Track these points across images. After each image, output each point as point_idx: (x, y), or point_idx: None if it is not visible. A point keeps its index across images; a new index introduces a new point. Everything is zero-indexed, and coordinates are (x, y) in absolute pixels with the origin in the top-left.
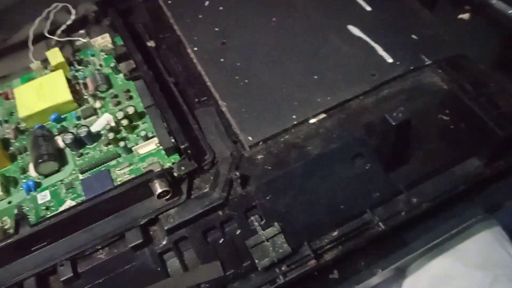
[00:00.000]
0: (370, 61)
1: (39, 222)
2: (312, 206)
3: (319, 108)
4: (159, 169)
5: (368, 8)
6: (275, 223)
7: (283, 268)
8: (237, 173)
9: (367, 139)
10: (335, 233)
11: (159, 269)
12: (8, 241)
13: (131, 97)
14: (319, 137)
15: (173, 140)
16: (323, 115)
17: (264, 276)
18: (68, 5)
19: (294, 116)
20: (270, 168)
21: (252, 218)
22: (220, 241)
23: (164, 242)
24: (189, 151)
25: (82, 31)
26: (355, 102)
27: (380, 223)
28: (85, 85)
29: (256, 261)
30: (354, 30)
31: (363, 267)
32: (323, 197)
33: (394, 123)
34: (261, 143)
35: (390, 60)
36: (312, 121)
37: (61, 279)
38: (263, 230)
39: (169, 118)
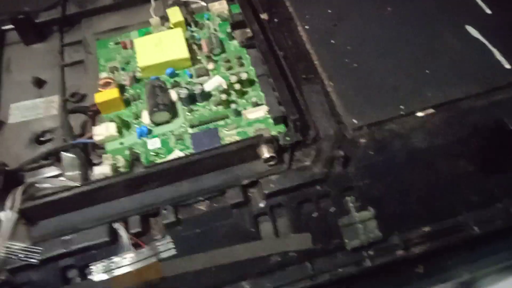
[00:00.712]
0: (485, 64)
1: (152, 165)
2: (408, 197)
3: (428, 102)
4: (269, 135)
5: (489, 11)
6: (370, 208)
7: (370, 253)
8: (341, 152)
9: (473, 141)
10: (426, 228)
11: (252, 230)
12: (122, 177)
13: (242, 64)
14: (425, 131)
15: (283, 110)
16: (431, 110)
17: (351, 256)
18: None
19: (401, 107)
20: (371, 153)
21: (348, 198)
22: (314, 215)
23: (262, 205)
24: (297, 123)
25: None
26: (466, 102)
27: (474, 227)
28: (199, 46)
29: (346, 240)
30: (472, 31)
31: (450, 267)
32: (421, 190)
33: None
34: (365, 127)
35: (507, 66)
36: (419, 114)
37: (163, 222)
38: (357, 212)
39: (281, 88)
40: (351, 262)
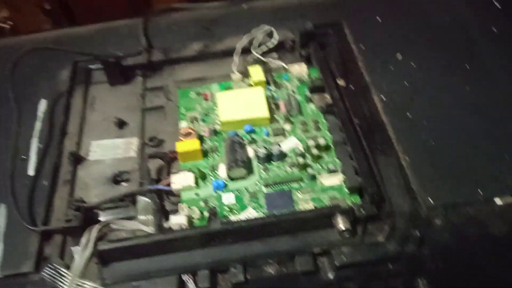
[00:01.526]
0: None
1: (229, 222)
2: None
3: (507, 190)
4: (346, 206)
5: None
6: None
7: None
8: (418, 233)
9: None
10: None
11: None
12: (199, 231)
13: (318, 128)
14: (504, 220)
15: (360, 181)
16: (510, 199)
17: None
18: (273, 29)
19: (479, 191)
20: (446, 236)
21: (420, 280)
22: None
23: (331, 277)
24: (375, 196)
25: (274, 54)
26: None
27: None
28: (277, 106)
29: None
30: None
31: None
32: (496, 282)
33: None
34: (440, 208)
35: None
36: (497, 201)
37: (232, 281)
38: None
39: (359, 159)
40: None
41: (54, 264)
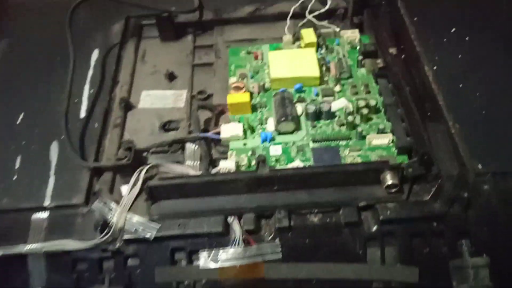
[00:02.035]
0: None
1: (278, 169)
2: None
3: None
4: (396, 163)
5: None
6: (484, 255)
7: None
8: (466, 194)
9: None
10: None
11: (360, 252)
12: (248, 175)
13: (369, 92)
14: None
15: (410, 141)
16: None
17: None
18: None
19: None
20: (494, 201)
21: (463, 241)
22: (425, 251)
23: (374, 230)
24: (424, 156)
25: (326, 21)
26: None
27: None
28: (328, 68)
29: (454, 283)
30: None
31: None
32: None
33: None
34: (489, 175)
35: None
36: None
37: (276, 226)
38: (470, 257)
39: (411, 119)
40: None
41: (104, 198)
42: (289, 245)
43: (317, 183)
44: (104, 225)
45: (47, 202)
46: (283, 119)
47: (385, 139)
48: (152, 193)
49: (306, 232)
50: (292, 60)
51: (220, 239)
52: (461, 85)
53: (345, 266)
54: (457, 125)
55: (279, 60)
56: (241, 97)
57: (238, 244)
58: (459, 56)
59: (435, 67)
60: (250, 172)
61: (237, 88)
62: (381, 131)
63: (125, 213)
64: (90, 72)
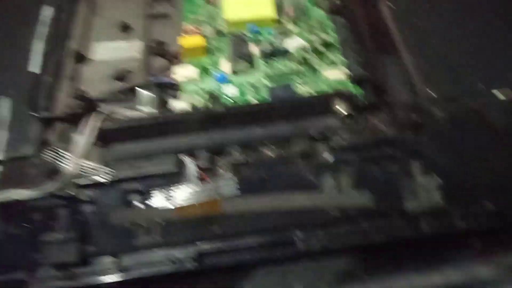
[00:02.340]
0: None
1: (231, 106)
2: (478, 172)
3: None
4: (347, 91)
5: None
6: (435, 175)
7: (429, 220)
8: (416, 117)
9: None
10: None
11: (315, 181)
12: (202, 112)
13: (325, 31)
14: (504, 111)
15: (362, 72)
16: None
17: (409, 221)
18: None
19: (481, 85)
20: (445, 125)
21: (415, 163)
22: (377, 175)
23: (328, 159)
24: (376, 84)
25: None
26: None
27: None
28: (283, 9)
29: (406, 203)
30: None
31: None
32: (493, 167)
33: None
34: (441, 100)
35: None
36: (499, 95)
37: (232, 161)
38: (421, 177)
39: (363, 52)
40: (408, 226)
41: (55, 147)
42: (245, 179)
43: (271, 118)
44: (57, 173)
45: None
46: (237, 58)
47: (340, 73)
48: (104, 137)
49: (261, 166)
50: (246, 1)
51: (175, 178)
52: (415, 20)
53: (301, 196)
54: (411, 57)
55: (233, 2)
56: (195, 39)
57: (193, 182)
58: None
59: (390, 4)
60: (203, 109)
61: (191, 32)
62: (336, 66)
63: (78, 159)
64: (42, 27)
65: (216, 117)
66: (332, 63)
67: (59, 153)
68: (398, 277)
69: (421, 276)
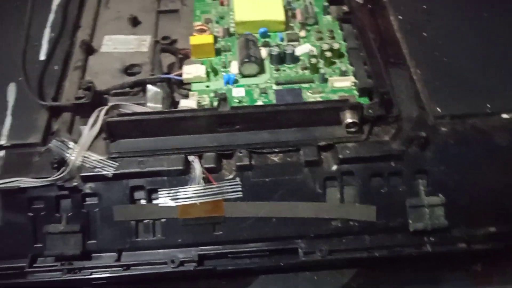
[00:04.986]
0: None
1: (238, 107)
2: (480, 193)
3: None
4: (355, 101)
5: None
6: (440, 194)
7: (431, 239)
8: (423, 133)
9: None
10: (492, 228)
11: (319, 191)
12: (209, 112)
13: (333, 37)
14: (509, 132)
15: (370, 83)
16: None
17: (412, 239)
18: None
19: (488, 105)
20: (451, 142)
21: (420, 181)
22: (383, 190)
23: (333, 169)
24: (384, 97)
25: None
26: None
27: None
28: (294, 14)
29: (410, 221)
30: None
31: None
32: (495, 189)
33: None
34: (447, 117)
35: None
36: (505, 116)
37: (237, 164)
38: (426, 196)
39: (372, 62)
40: (411, 244)
41: (62, 137)
42: (250, 183)
43: (278, 123)
44: (62, 163)
45: (3, 141)
46: (246, 60)
47: (347, 82)
48: (111, 131)
49: (266, 171)
50: (257, 4)
51: (180, 177)
52: (424, 34)
53: (304, 205)
54: (418, 71)
55: (244, 4)
56: (205, 38)
57: (198, 182)
58: (424, 6)
59: (400, 16)
60: (210, 109)
61: (201, 31)
62: (344, 74)
63: (83, 151)
64: (52, 16)
65: (223, 117)
66: (340, 71)
67: (64, 143)
68: None
69: None
